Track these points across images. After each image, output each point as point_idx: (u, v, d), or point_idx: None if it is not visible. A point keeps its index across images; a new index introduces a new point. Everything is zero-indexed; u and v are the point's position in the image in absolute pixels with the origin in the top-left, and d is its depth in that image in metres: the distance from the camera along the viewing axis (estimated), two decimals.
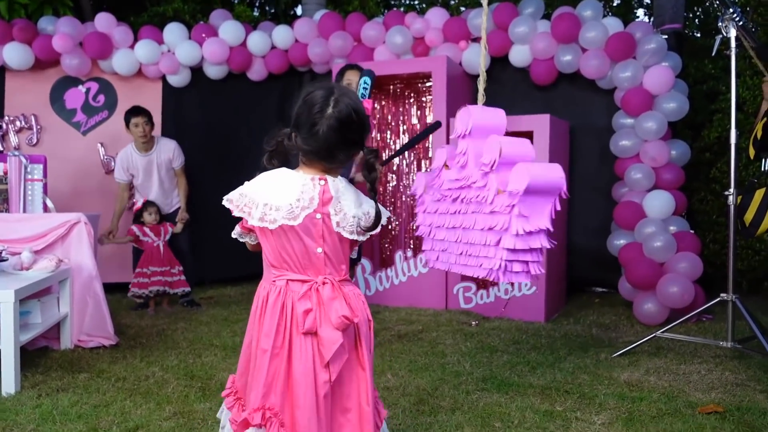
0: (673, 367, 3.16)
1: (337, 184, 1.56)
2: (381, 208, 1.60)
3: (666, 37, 4.72)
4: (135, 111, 4.62)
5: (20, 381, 2.88)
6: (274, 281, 1.57)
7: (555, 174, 2.23)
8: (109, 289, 5.06)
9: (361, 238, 1.58)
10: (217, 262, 5.64)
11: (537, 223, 2.21)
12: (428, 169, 2.79)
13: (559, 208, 2.27)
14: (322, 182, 1.54)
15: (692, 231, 4.48)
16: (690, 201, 5.08)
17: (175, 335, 3.89)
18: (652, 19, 6.28)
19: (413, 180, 5.41)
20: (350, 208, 1.55)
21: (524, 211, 2.18)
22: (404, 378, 3.00)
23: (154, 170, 4.74)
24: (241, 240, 1.69)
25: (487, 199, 2.30)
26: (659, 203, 4.35)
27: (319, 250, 1.53)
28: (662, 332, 3.35)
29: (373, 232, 1.60)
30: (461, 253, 2.45)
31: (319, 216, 1.52)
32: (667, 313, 4.09)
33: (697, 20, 7.04)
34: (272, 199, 1.51)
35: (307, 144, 1.51)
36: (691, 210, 5.16)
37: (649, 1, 7.97)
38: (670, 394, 2.75)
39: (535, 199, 2.20)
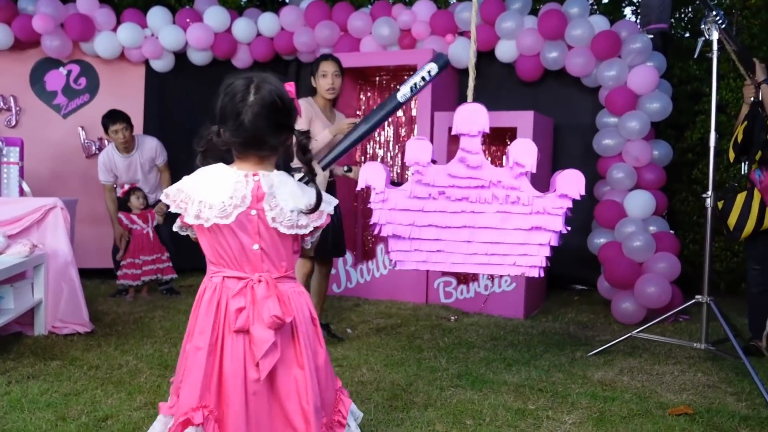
0: (647, 367, 3.18)
1: (272, 179, 1.52)
2: (327, 195, 1.57)
3: (652, 36, 4.73)
4: (113, 118, 4.52)
5: None
6: (211, 277, 1.56)
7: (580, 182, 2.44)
8: (87, 274, 5.03)
9: (302, 232, 1.54)
10: (197, 250, 5.58)
11: None
12: (387, 161, 2.74)
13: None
14: (256, 178, 1.51)
15: (672, 231, 4.51)
16: (671, 201, 5.11)
17: (152, 323, 3.86)
18: (638, 19, 6.30)
19: (397, 172, 5.40)
20: (287, 202, 1.51)
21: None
22: (379, 372, 2.99)
23: (138, 169, 4.70)
24: (182, 234, 1.67)
25: (522, 200, 2.41)
26: (640, 203, 4.37)
27: (256, 246, 1.51)
28: (637, 332, 3.38)
29: (318, 225, 1.55)
30: (477, 253, 2.46)
31: (254, 212, 1.49)
32: (644, 313, 4.12)
33: (684, 21, 7.06)
34: (206, 196, 1.50)
35: (236, 136, 1.48)
36: (672, 210, 5.20)
37: (636, 1, 7.98)
38: (642, 394, 2.77)
39: None
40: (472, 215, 2.47)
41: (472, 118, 2.47)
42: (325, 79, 3.38)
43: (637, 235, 4.21)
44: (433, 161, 2.54)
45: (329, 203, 1.57)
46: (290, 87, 1.51)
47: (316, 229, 1.57)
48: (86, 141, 5.38)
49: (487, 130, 2.51)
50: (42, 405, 2.47)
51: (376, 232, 2.57)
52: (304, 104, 3.36)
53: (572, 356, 3.36)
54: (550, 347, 3.53)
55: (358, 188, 2.55)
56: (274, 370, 1.50)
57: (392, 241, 2.56)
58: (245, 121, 1.46)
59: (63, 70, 5.37)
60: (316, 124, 3.35)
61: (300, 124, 3.11)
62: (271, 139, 1.50)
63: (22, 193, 3.80)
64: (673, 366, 3.19)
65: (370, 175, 2.49)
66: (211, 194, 1.50)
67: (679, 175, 5.36)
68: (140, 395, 2.61)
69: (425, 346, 3.48)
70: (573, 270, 5.06)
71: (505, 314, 4.29)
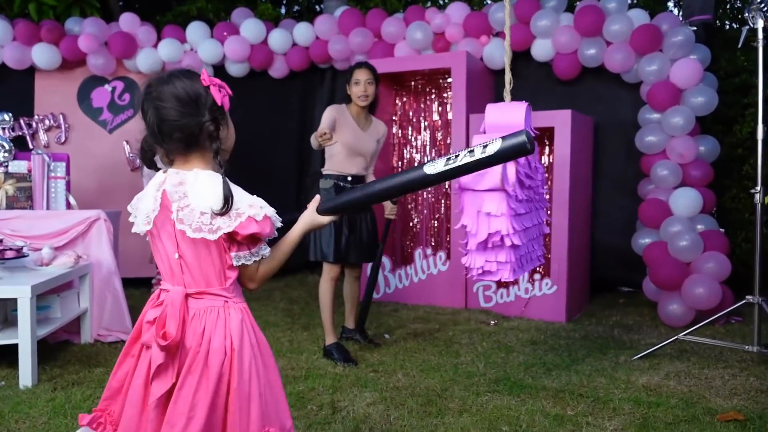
0: (695, 371, 3.05)
1: (184, 177, 1.37)
2: (255, 199, 1.36)
3: (695, 29, 4.56)
4: None
5: (38, 374, 2.93)
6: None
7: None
8: (133, 283, 5.18)
9: (210, 237, 1.33)
10: None
11: None
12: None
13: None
14: (162, 176, 1.40)
15: (722, 230, 4.32)
16: (721, 199, 4.91)
17: None
18: (681, 11, 6.09)
19: None
20: (200, 202, 1.33)
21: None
22: (415, 378, 2.96)
23: None
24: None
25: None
26: (686, 201, 4.21)
27: (176, 255, 1.38)
28: (685, 335, 3.24)
29: (230, 230, 1.32)
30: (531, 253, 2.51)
31: (173, 216, 1.36)
32: (692, 315, 3.95)
33: (730, 11, 6.80)
34: (140, 203, 1.43)
35: (149, 137, 1.38)
36: (722, 208, 4.99)
37: None
38: (689, 399, 2.65)
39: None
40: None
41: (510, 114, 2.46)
42: (358, 87, 3.40)
43: (684, 234, 4.05)
44: None
45: (254, 206, 1.35)
46: (204, 76, 1.38)
47: (244, 241, 1.35)
48: (131, 155, 5.54)
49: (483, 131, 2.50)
50: (84, 411, 2.53)
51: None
52: (330, 110, 3.39)
53: (616, 360, 3.25)
54: (592, 351, 3.43)
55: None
56: (171, 399, 1.33)
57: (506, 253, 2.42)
58: (149, 119, 1.36)
59: (108, 87, 5.56)
60: (343, 130, 3.36)
61: (322, 128, 3.17)
62: (174, 132, 1.35)
63: (68, 206, 3.93)
64: (723, 370, 3.05)
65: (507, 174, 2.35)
66: (143, 200, 1.42)
67: (729, 172, 5.15)
68: None
69: (462, 351, 3.43)
70: (617, 272, 4.92)
71: (546, 318, 4.19)
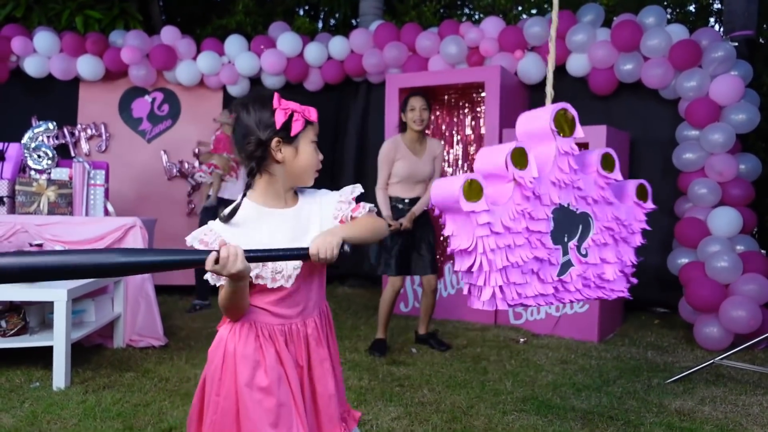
0: (731, 397, 2.94)
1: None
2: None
3: (736, 44, 4.46)
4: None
5: (71, 377, 3.01)
6: None
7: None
8: (167, 290, 5.28)
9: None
10: None
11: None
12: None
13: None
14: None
15: (763, 251, 4.19)
16: (762, 219, 4.76)
17: None
18: (722, 27, 5.96)
19: None
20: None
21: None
22: (441, 393, 2.93)
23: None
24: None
25: None
26: (725, 220, 4.09)
27: None
28: (721, 358, 3.14)
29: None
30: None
31: None
32: (731, 339, 3.82)
33: None
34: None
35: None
36: (763, 228, 4.84)
37: (720, 8, 7.58)
38: (725, 426, 2.56)
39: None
40: None
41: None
42: (414, 113, 3.69)
43: (722, 254, 3.93)
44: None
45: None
46: (275, 98, 1.43)
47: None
48: (168, 164, 5.67)
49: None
50: (113, 414, 2.58)
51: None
52: (386, 149, 3.74)
53: (648, 383, 3.16)
54: (624, 373, 3.34)
55: None
56: None
57: None
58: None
59: (148, 98, 5.71)
60: (399, 163, 3.70)
61: (386, 214, 3.62)
62: (241, 150, 1.44)
63: (106, 213, 4.03)
64: (762, 397, 2.94)
65: None
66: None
67: None
68: None
69: (490, 368, 3.38)
70: (652, 291, 4.79)
71: (577, 337, 4.11)
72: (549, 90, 2.75)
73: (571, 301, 2.07)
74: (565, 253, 2.00)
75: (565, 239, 2.01)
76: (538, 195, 1.93)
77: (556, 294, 2.00)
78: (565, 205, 2.02)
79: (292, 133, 1.42)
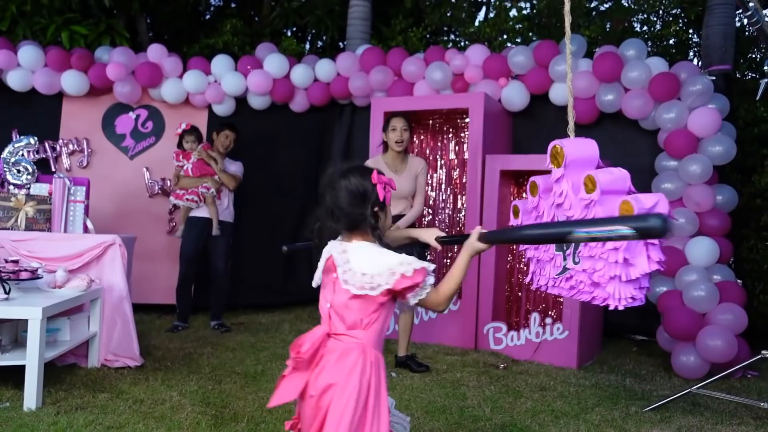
0: (707, 426, 2.96)
1: (346, 247, 1.69)
2: (408, 258, 1.62)
3: (714, 78, 4.58)
4: (229, 126, 5.04)
5: (42, 397, 2.93)
6: None
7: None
8: (144, 309, 5.21)
9: (372, 293, 1.61)
10: (252, 288, 5.71)
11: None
12: (524, 197, 2.74)
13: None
14: (328, 249, 1.72)
15: (739, 281, 4.26)
16: (738, 249, 4.84)
17: (200, 360, 3.91)
18: (700, 60, 6.13)
19: (448, 214, 5.36)
20: (360, 266, 1.63)
21: None
22: (419, 419, 2.91)
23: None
24: None
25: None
26: (702, 250, 4.16)
27: (327, 305, 1.69)
28: (698, 387, 3.17)
29: (390, 286, 1.60)
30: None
31: (334, 275, 1.68)
32: (707, 368, 3.86)
33: (749, 62, 6.82)
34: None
35: (325, 215, 1.74)
36: (739, 258, 4.92)
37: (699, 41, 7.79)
38: None
39: None
40: None
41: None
42: (395, 133, 3.82)
43: (699, 284, 3.99)
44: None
45: (405, 264, 1.61)
46: (374, 174, 1.69)
47: (404, 290, 1.61)
48: (150, 181, 5.63)
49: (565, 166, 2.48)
50: None
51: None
52: (366, 164, 3.75)
53: (626, 411, 3.17)
54: (602, 400, 3.35)
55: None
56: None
57: (532, 265, 2.63)
58: (326, 201, 1.71)
59: (132, 115, 5.69)
60: None
61: None
62: (338, 216, 1.69)
63: (86, 229, 3.99)
64: (737, 427, 2.96)
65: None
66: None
67: (747, 222, 5.09)
68: (179, 431, 2.63)
69: (470, 394, 3.37)
70: (631, 319, 4.80)
71: (556, 363, 4.12)
72: (571, 114, 2.85)
73: (572, 296, 2.41)
74: (564, 259, 2.40)
75: (564, 248, 2.40)
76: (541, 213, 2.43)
77: (554, 287, 2.47)
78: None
79: (387, 202, 1.73)
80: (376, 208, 1.69)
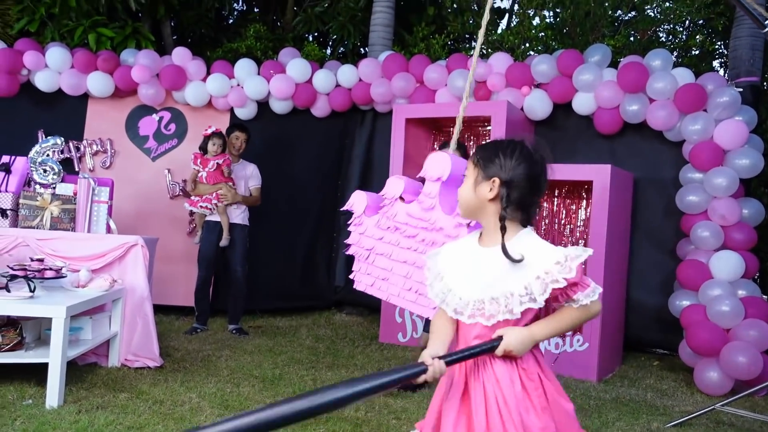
0: None
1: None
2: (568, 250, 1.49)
3: (741, 90, 4.52)
4: (240, 127, 5.04)
5: (64, 395, 2.96)
6: None
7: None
8: (164, 310, 5.24)
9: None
10: (270, 292, 5.72)
11: None
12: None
13: None
14: None
15: (765, 297, 4.18)
16: (764, 264, 4.76)
17: (219, 362, 3.92)
18: (727, 72, 6.05)
19: None
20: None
21: None
22: None
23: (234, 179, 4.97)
24: None
25: None
26: (727, 264, 4.09)
27: None
28: (722, 405, 3.11)
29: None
30: (410, 290, 2.44)
31: None
32: (731, 384, 3.80)
33: None
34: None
35: (527, 189, 1.59)
36: (765, 273, 4.84)
37: (722, 52, 7.70)
38: None
39: None
40: (416, 253, 2.44)
41: (436, 165, 2.43)
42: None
43: (724, 298, 3.92)
44: (401, 198, 2.53)
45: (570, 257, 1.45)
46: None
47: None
48: (171, 183, 5.68)
49: (445, 178, 2.45)
50: None
51: (346, 251, 2.68)
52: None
53: (648, 426, 3.12)
54: (623, 415, 3.31)
55: (342, 208, 2.70)
56: None
57: (355, 262, 2.63)
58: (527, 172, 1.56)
59: (155, 117, 5.74)
60: None
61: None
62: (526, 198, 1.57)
63: (109, 230, 4.02)
64: None
65: (355, 200, 2.60)
66: None
67: None
68: None
69: None
70: (652, 332, 4.77)
71: (576, 375, 4.07)
72: (457, 130, 2.83)
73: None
74: None
75: None
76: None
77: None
78: None
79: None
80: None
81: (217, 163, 4.81)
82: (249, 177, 5.04)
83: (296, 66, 5.58)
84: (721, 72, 7.40)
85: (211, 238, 4.88)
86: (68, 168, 5.44)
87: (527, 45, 7.38)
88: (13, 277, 3.17)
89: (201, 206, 4.81)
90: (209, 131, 4.87)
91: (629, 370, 4.42)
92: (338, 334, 5.01)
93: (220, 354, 4.13)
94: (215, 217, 4.89)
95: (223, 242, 4.85)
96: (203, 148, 4.91)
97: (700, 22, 7.70)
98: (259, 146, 5.76)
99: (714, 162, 4.28)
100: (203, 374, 3.61)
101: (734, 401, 3.15)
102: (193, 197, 4.87)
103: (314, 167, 5.96)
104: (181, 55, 5.59)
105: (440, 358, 1.44)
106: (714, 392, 3.81)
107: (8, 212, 3.83)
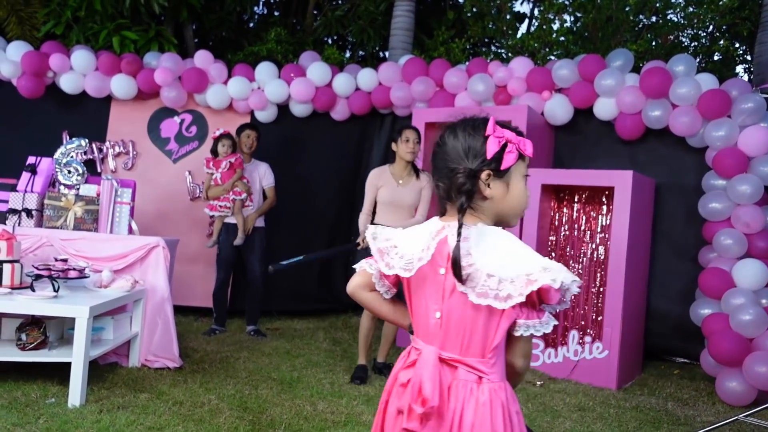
0: None
1: (470, 232, 1.20)
2: (549, 262, 1.15)
3: (766, 96, 4.45)
4: (250, 126, 5.08)
5: (86, 394, 3.00)
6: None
7: None
8: (183, 311, 5.29)
9: (499, 306, 1.14)
10: (287, 293, 5.75)
11: None
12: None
13: None
14: (444, 231, 1.23)
15: None
16: None
17: (237, 364, 3.95)
18: (751, 78, 5.97)
19: None
20: (488, 264, 1.16)
21: None
22: None
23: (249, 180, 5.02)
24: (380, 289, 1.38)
25: None
26: (751, 273, 4.02)
27: (437, 314, 1.22)
28: (745, 416, 3.06)
29: (518, 299, 1.14)
30: None
31: (442, 270, 1.21)
32: (754, 395, 3.74)
33: None
34: (405, 245, 1.27)
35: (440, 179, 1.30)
36: None
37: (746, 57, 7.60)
38: None
39: None
40: None
41: None
42: (408, 144, 3.91)
43: (747, 307, 3.86)
44: None
45: (549, 270, 1.13)
46: (490, 124, 1.23)
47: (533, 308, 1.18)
48: (192, 185, 5.73)
49: None
50: None
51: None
52: (371, 173, 4.03)
53: None
54: (644, 424, 3.27)
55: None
56: None
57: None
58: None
59: (177, 119, 5.80)
60: (381, 190, 3.96)
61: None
62: (437, 179, 1.27)
63: (130, 231, 4.07)
64: None
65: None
66: (410, 244, 1.26)
67: None
68: None
69: None
70: (673, 341, 4.71)
71: (595, 383, 4.03)
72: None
73: None
74: None
75: None
76: None
77: None
78: None
79: (503, 166, 1.21)
80: (479, 168, 1.20)
81: (230, 162, 4.85)
82: (262, 176, 5.09)
83: (316, 69, 5.61)
84: (745, 78, 7.29)
85: (230, 240, 4.91)
86: (90, 169, 5.50)
87: (548, 49, 7.35)
88: (38, 277, 3.22)
89: (220, 206, 4.85)
90: (217, 133, 4.92)
91: (649, 378, 4.37)
92: (355, 338, 5.01)
93: (239, 356, 4.16)
94: (234, 220, 4.92)
95: (238, 241, 4.87)
96: (214, 152, 4.94)
97: (723, 27, 7.60)
98: (278, 149, 5.80)
99: (738, 169, 4.22)
100: (222, 375, 3.63)
101: (758, 412, 3.09)
102: (211, 201, 4.91)
103: (333, 170, 5.98)
104: (202, 58, 5.65)
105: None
106: (736, 402, 3.75)
107: (33, 212, 3.89)
